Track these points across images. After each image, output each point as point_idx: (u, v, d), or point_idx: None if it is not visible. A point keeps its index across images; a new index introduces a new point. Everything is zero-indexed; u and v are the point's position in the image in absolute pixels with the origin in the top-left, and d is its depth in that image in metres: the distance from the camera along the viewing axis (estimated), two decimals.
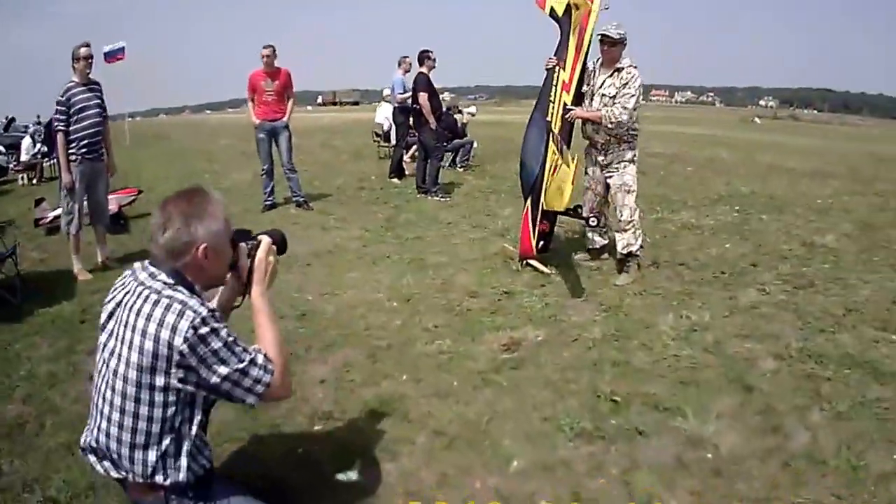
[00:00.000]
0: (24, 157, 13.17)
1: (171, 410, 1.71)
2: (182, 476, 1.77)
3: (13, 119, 18.43)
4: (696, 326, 4.19)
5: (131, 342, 1.68)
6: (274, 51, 7.75)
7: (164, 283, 1.74)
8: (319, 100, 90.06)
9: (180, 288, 1.74)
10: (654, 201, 8.20)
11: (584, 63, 5.21)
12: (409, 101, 9.47)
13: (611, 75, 4.98)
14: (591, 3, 5.10)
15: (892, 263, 5.73)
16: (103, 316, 1.83)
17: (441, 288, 4.99)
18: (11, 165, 13.50)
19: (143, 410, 1.69)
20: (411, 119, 9.73)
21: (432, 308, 4.57)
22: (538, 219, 5.22)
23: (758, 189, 9.74)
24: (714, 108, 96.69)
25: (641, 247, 5.22)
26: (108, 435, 1.76)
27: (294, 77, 7.94)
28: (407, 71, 9.92)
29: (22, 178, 12.68)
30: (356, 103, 78.35)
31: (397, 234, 6.78)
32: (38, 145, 13.03)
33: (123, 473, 1.77)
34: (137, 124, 28.16)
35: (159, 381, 1.68)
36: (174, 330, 1.65)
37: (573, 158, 5.04)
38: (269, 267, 1.93)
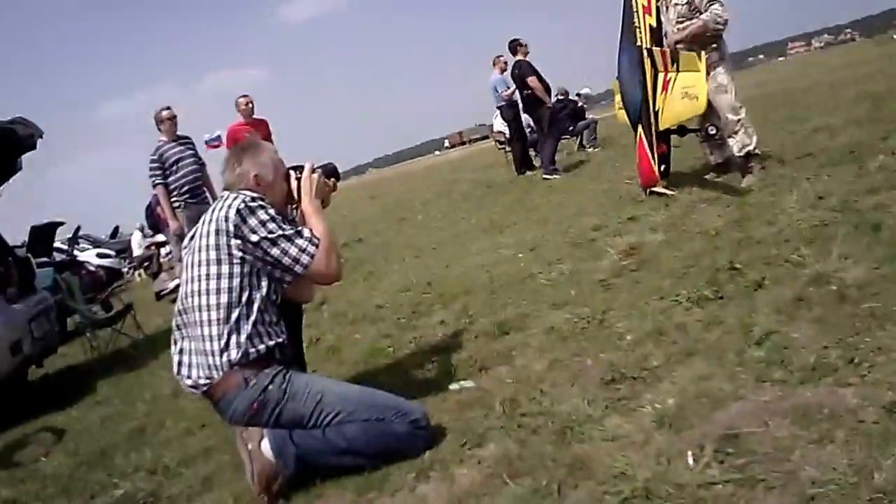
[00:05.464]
0: (136, 252, 13.46)
1: (236, 281, 1.96)
2: (253, 348, 1.93)
3: (118, 227, 18.89)
4: (821, 195, 3.75)
5: (203, 233, 2.03)
6: (251, 100, 6.60)
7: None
8: (447, 143, 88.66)
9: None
10: (783, 121, 7.58)
11: None
12: (515, 94, 9.45)
13: None
14: None
15: None
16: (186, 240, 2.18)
17: (565, 231, 4.88)
18: (124, 268, 14.01)
19: (213, 284, 1.96)
20: (521, 109, 9.68)
21: (556, 247, 4.48)
22: (654, 142, 4.99)
23: (893, 85, 8.56)
24: (855, 43, 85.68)
25: (756, 147, 4.76)
26: (186, 325, 2.02)
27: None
28: (503, 70, 9.82)
29: (139, 273, 13.00)
30: (485, 137, 78.40)
31: (525, 207, 6.77)
32: (147, 237, 12.80)
33: (206, 379, 1.95)
34: None
35: (223, 254, 1.97)
36: (230, 207, 2.01)
37: (700, 58, 4.44)
38: (313, 183, 2.25)
